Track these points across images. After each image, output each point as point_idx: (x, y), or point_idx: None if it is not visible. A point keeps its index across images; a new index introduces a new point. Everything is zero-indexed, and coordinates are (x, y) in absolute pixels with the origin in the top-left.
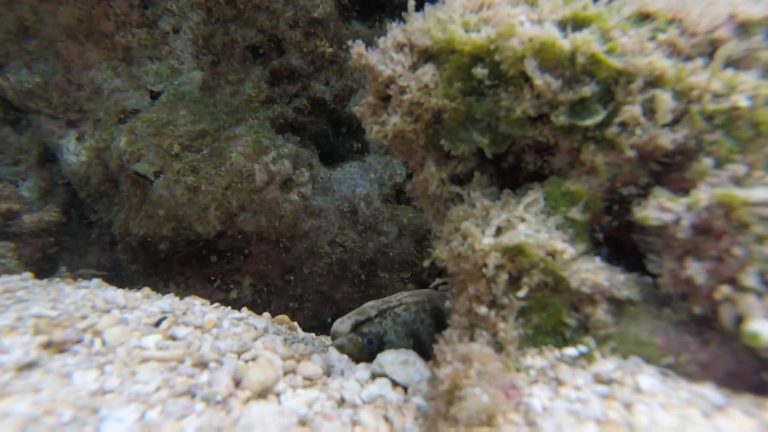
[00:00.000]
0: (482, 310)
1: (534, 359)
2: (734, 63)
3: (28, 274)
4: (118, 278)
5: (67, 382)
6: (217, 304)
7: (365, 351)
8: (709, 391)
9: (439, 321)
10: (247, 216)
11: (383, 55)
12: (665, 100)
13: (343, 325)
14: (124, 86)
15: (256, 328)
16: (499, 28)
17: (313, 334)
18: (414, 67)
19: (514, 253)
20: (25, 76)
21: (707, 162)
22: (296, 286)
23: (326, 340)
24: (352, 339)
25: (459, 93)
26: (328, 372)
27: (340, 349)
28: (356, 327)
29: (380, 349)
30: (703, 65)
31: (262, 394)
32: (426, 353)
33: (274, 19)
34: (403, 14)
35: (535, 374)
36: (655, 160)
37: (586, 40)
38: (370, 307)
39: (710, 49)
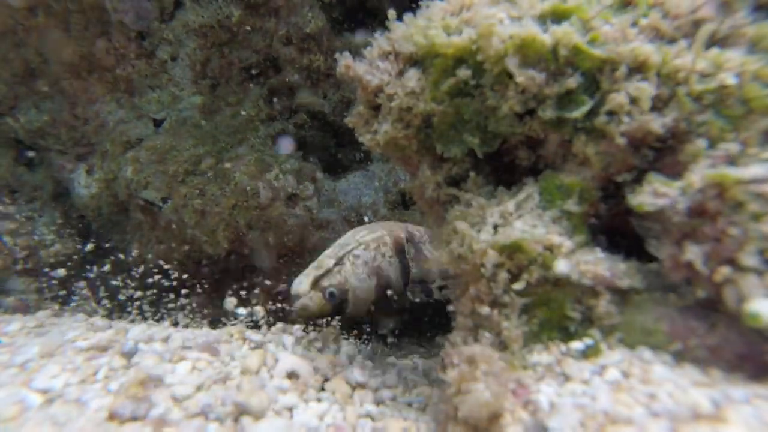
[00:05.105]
0: (484, 309)
1: (540, 355)
2: (720, 41)
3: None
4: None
5: (83, 410)
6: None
7: (329, 305)
8: (717, 377)
9: (401, 250)
10: (255, 234)
11: (370, 65)
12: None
13: (302, 285)
14: (127, 117)
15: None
16: (478, 29)
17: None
18: (401, 74)
19: (512, 250)
20: (34, 115)
21: (700, 143)
22: None
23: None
24: (313, 297)
25: (446, 96)
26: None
27: (304, 310)
28: (316, 283)
29: (344, 299)
30: (687, 47)
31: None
32: (391, 285)
33: (268, 38)
34: (386, 23)
35: (542, 371)
36: (647, 145)
37: (567, 33)
38: (328, 256)
39: (694, 30)
